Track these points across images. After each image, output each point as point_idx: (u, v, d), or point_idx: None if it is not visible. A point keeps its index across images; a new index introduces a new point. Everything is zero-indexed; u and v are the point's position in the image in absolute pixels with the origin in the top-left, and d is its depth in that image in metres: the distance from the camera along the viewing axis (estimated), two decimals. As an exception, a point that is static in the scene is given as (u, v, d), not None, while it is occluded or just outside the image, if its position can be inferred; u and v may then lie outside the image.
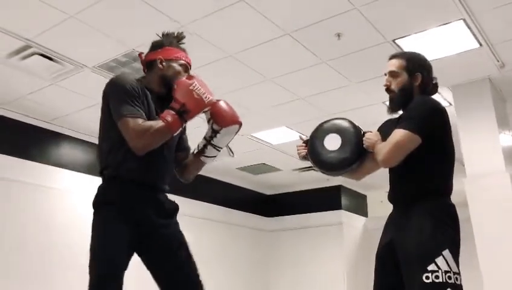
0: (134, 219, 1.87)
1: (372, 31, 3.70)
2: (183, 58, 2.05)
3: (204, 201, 7.19)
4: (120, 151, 1.89)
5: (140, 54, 2.08)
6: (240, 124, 2.03)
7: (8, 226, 4.72)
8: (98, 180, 1.98)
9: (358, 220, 8.20)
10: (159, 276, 1.95)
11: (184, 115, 1.84)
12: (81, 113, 5.12)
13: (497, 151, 4.30)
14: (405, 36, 3.80)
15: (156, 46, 2.06)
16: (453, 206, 1.99)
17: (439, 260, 1.82)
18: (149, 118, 1.89)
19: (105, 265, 1.82)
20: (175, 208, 2.04)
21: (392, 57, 2.19)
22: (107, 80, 1.99)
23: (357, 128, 2.23)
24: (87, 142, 5.63)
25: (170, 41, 2.06)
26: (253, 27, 3.68)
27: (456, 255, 1.87)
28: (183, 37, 2.12)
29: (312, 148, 2.29)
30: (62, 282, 4.71)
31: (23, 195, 4.94)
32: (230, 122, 1.99)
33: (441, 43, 3.89)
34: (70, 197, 5.32)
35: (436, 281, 1.79)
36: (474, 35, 3.77)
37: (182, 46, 2.11)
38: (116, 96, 1.89)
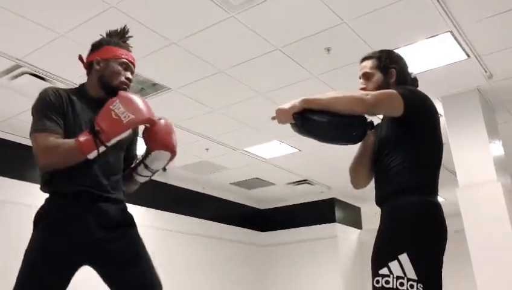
0: (72, 237, 1.68)
1: (361, 44, 3.74)
2: (123, 56, 1.88)
3: (197, 217, 7.15)
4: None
5: (80, 57, 1.91)
6: (173, 152, 1.82)
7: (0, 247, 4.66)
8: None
9: (352, 233, 8.19)
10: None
11: (100, 135, 1.65)
12: (72, 132, 5.09)
13: (488, 161, 4.34)
14: (394, 49, 3.80)
15: (94, 46, 1.90)
16: (428, 204, 1.81)
17: (393, 265, 1.68)
18: (75, 127, 1.76)
19: None
20: (126, 217, 1.82)
21: (363, 59, 2.13)
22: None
23: None
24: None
25: (109, 39, 1.92)
26: (244, 43, 3.70)
27: (418, 259, 1.69)
28: (127, 32, 1.96)
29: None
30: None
31: (15, 216, 4.88)
32: (160, 148, 1.80)
33: (430, 55, 3.95)
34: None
35: (386, 286, 1.67)
36: (461, 47, 3.82)
37: (127, 42, 1.96)
38: (34, 111, 1.81)
